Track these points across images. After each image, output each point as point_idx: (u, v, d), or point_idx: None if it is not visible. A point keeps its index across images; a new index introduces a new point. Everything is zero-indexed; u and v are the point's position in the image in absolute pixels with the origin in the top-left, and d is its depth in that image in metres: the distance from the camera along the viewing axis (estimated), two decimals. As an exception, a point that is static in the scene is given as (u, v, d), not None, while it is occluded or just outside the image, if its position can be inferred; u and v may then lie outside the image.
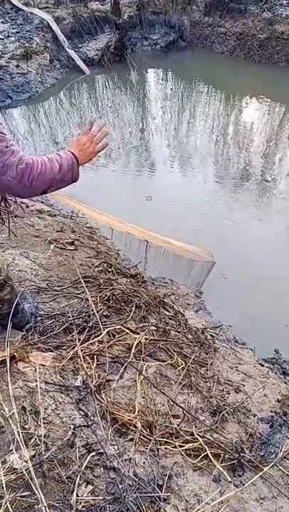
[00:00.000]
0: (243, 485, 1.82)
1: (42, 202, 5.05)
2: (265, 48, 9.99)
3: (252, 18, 10.20)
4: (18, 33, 9.43)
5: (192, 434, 1.97)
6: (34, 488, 1.39)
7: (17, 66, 8.68)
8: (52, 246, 3.41)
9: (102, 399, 1.92)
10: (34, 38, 9.32)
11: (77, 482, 1.51)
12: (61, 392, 1.88)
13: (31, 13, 9.99)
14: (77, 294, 2.84)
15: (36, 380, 1.83)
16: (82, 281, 2.52)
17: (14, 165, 1.54)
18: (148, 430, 1.90)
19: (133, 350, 2.28)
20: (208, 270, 3.98)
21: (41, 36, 9.49)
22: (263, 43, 10.00)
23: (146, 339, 2.46)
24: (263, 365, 3.13)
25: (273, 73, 9.54)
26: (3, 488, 1.37)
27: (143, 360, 2.33)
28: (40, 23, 9.75)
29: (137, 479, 1.60)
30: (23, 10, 10.17)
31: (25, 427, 1.62)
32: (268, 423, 2.33)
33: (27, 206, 4.45)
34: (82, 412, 1.79)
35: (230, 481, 1.82)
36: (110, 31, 10.36)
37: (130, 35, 10.71)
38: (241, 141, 7.29)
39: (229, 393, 2.52)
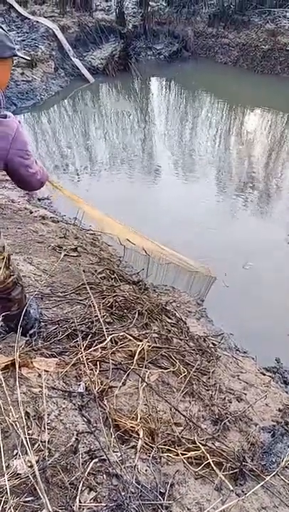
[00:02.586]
0: (245, 494, 1.82)
1: (45, 208, 5.08)
2: (268, 58, 10.09)
3: (255, 30, 10.32)
4: (23, 41, 9.55)
5: (194, 442, 1.97)
6: (40, 493, 1.40)
7: (22, 73, 8.77)
8: (62, 254, 3.44)
9: (105, 405, 1.93)
10: (39, 46, 9.43)
11: (80, 488, 1.51)
12: (64, 398, 1.89)
13: (37, 21, 10.11)
14: (81, 300, 2.85)
15: (40, 386, 1.84)
16: (87, 287, 2.53)
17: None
18: (150, 438, 1.91)
19: (136, 358, 2.29)
20: (209, 285, 3.99)
21: (46, 44, 9.60)
22: (266, 54, 10.11)
23: (148, 346, 2.47)
24: (264, 374, 3.13)
25: (276, 84, 9.62)
26: (7, 493, 1.38)
27: (145, 368, 2.34)
28: (45, 31, 9.87)
29: (139, 486, 1.60)
30: (29, 18, 10.30)
31: (29, 432, 1.63)
32: (270, 432, 2.33)
33: (30, 212, 4.48)
34: (85, 419, 1.80)
35: (232, 490, 1.82)
36: (115, 41, 10.48)
37: (134, 44, 10.83)
38: (244, 152, 7.34)
39: (231, 402, 2.52)
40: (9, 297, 2.11)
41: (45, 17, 10.36)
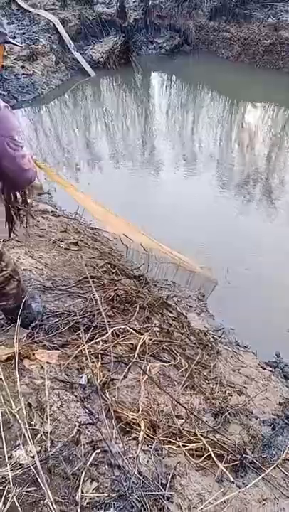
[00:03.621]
0: (246, 486, 1.83)
1: (46, 202, 5.08)
2: (270, 53, 10.04)
3: (257, 24, 10.26)
4: (24, 34, 9.49)
5: (195, 435, 1.98)
6: (41, 484, 1.41)
7: (22, 67, 8.72)
8: (60, 246, 3.42)
9: (107, 397, 1.93)
10: (40, 39, 9.38)
11: (82, 479, 1.52)
12: (66, 390, 1.89)
13: (38, 14, 10.05)
14: (82, 293, 2.85)
15: (42, 378, 1.85)
16: (90, 280, 2.53)
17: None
18: (152, 430, 1.92)
19: (137, 351, 2.30)
20: (210, 288, 3.99)
21: (47, 38, 9.54)
22: (268, 49, 10.05)
23: (150, 340, 2.48)
24: (264, 369, 3.14)
25: (278, 79, 9.58)
26: (9, 482, 1.39)
27: (147, 361, 2.34)
28: (46, 24, 9.81)
29: (141, 477, 1.61)
30: (30, 11, 10.23)
31: (32, 423, 1.64)
32: (270, 425, 2.35)
33: (32, 206, 4.47)
34: (87, 410, 1.80)
35: (233, 482, 1.83)
36: (116, 34, 10.41)
37: (135, 38, 10.77)
38: (245, 147, 7.32)
39: (231, 395, 2.53)
40: (3, 292, 2.10)
41: (46, 10, 10.30)
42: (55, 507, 1.40)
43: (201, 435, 1.97)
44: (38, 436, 1.59)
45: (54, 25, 9.79)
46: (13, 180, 1.82)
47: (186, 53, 11.10)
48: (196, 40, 11.15)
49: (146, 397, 2.10)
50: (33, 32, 9.58)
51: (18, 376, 1.67)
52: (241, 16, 10.45)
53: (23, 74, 8.67)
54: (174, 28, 11.25)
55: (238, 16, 10.48)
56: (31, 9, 10.30)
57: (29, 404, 1.71)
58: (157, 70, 10.64)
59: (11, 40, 1.84)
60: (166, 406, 2.14)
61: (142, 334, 2.47)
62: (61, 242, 3.71)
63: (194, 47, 11.15)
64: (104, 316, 2.33)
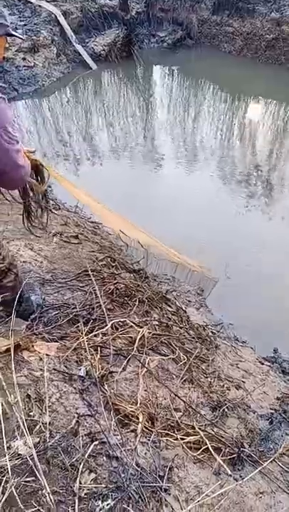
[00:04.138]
0: (243, 479, 1.84)
1: (46, 195, 5.05)
2: (273, 48, 9.97)
3: (260, 18, 10.18)
4: (25, 25, 9.40)
5: (193, 428, 1.99)
6: (38, 474, 1.41)
7: (24, 59, 8.66)
8: (57, 238, 3.39)
9: (106, 390, 1.94)
10: (41, 31, 9.29)
11: (80, 470, 1.52)
12: (65, 382, 1.90)
13: (39, 6, 9.95)
14: (81, 286, 2.85)
15: (41, 369, 1.85)
16: (90, 273, 2.53)
17: None
18: (150, 422, 1.92)
19: (136, 344, 2.30)
20: (210, 287, 4.00)
21: (49, 30, 9.46)
22: (271, 44, 9.99)
23: (149, 333, 2.48)
24: (262, 364, 3.15)
25: (280, 74, 9.52)
26: (8, 472, 1.39)
27: (145, 354, 2.35)
28: (47, 16, 9.72)
29: (139, 469, 1.62)
30: (31, 2, 10.12)
31: (30, 414, 1.64)
32: (268, 420, 2.36)
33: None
34: (85, 402, 1.81)
35: (230, 475, 1.84)
36: (118, 27, 10.33)
37: (138, 31, 10.69)
38: (247, 142, 7.30)
39: (229, 389, 2.54)
40: (0, 284, 2.11)
41: (48, 1, 10.19)
42: (52, 497, 1.40)
43: (199, 428, 1.98)
44: (37, 427, 1.59)
45: (56, 17, 9.70)
46: (6, 176, 1.76)
47: (188, 47, 11.03)
48: (199, 34, 11.07)
49: (145, 390, 2.10)
50: (35, 24, 9.49)
51: (13, 367, 1.67)
52: (244, 10, 10.37)
53: (24, 66, 8.61)
54: (176, 22, 11.16)
55: (241, 10, 10.40)
56: (33, 0, 10.20)
57: (28, 396, 1.71)
58: (159, 64, 10.58)
59: (13, 32, 1.80)
60: (165, 399, 2.15)
61: (141, 327, 2.47)
62: (61, 235, 3.70)
63: (197, 41, 11.07)
64: (104, 309, 2.33)
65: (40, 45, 9.01)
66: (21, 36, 2.01)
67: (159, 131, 7.58)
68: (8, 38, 1.80)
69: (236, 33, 10.53)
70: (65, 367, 1.98)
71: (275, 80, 9.44)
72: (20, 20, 9.58)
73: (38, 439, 1.57)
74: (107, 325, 2.28)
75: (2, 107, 1.62)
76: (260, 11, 10.21)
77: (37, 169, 2.28)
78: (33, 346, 1.98)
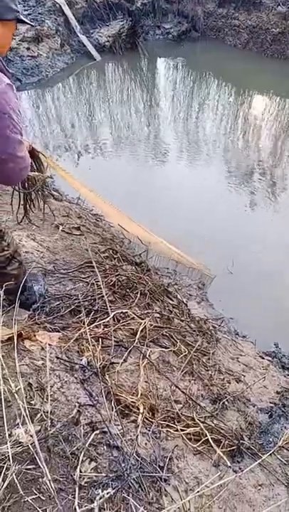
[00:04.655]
0: (242, 471, 1.85)
1: (48, 186, 5.04)
2: (279, 42, 9.89)
3: (266, 12, 10.08)
4: (29, 15, 9.31)
5: (193, 419, 1.99)
6: (39, 462, 1.41)
7: (28, 49, 8.59)
8: (60, 229, 3.37)
9: (107, 380, 1.94)
10: (46, 20, 9.21)
11: (80, 458, 1.53)
12: (66, 372, 1.90)
13: (44, -5, 9.86)
14: (83, 278, 2.85)
15: (42, 359, 1.85)
16: (94, 264, 2.53)
17: None
18: (150, 413, 1.93)
19: (138, 336, 2.30)
20: (208, 283, 4.00)
21: (53, 19, 9.37)
22: (276, 38, 9.90)
23: (150, 325, 2.48)
24: (263, 358, 3.16)
25: (285, 68, 9.45)
26: (9, 460, 1.40)
27: (147, 346, 2.35)
28: (52, 6, 9.62)
29: (139, 459, 1.63)
30: (36, -8, 10.04)
31: (32, 402, 1.64)
32: (267, 413, 2.37)
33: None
34: (87, 392, 1.81)
35: (230, 467, 1.85)
36: (123, 18, 10.23)
37: (143, 22, 10.59)
38: (251, 136, 7.26)
39: (230, 382, 2.54)
40: (4, 272, 2.10)
41: (52, -9, 10.11)
42: (53, 485, 1.41)
43: (199, 420, 1.99)
44: (38, 415, 1.60)
45: (60, 6, 9.61)
46: (3, 167, 1.66)
47: (193, 40, 10.93)
48: (204, 26, 10.97)
49: (146, 382, 2.11)
50: (39, 13, 9.40)
51: (16, 355, 1.68)
52: (251, 4, 10.27)
53: (28, 56, 8.54)
54: (182, 14, 11.05)
55: (247, 3, 10.30)
56: (37, -11, 10.10)
57: (29, 384, 1.72)
58: (164, 56, 10.49)
59: (23, 18, 1.74)
60: (165, 391, 2.15)
61: (143, 320, 2.47)
62: (63, 226, 3.69)
63: (202, 33, 10.97)
64: (107, 300, 2.33)
65: (44, 35, 8.93)
66: (31, 22, 1.96)
67: (163, 124, 7.53)
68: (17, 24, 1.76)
69: (242, 26, 10.43)
70: (67, 357, 1.98)
71: (280, 74, 9.36)
72: (25, 10, 9.48)
73: (39, 427, 1.57)
74: (108, 316, 2.28)
75: (9, 94, 1.58)
76: (267, 4, 10.10)
77: (33, 155, 2.27)
78: (34, 336, 1.98)
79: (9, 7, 1.62)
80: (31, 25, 2.46)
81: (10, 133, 1.59)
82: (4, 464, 1.41)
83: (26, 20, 1.80)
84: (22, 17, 1.72)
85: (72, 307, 2.39)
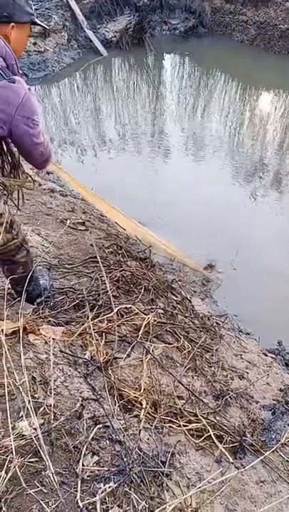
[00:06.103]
0: (244, 467, 1.85)
1: (54, 182, 5.05)
2: (286, 38, 9.78)
3: (274, 8, 9.98)
4: (36, 10, 9.27)
5: (196, 415, 2.00)
6: (42, 455, 1.42)
7: (34, 44, 8.58)
8: (67, 225, 3.38)
9: (110, 375, 1.94)
10: (53, 16, 9.19)
11: (83, 452, 1.53)
12: (70, 366, 1.91)
13: (51, -10, 9.83)
14: (88, 273, 2.86)
15: (46, 352, 1.86)
16: (99, 259, 2.53)
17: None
18: (153, 408, 1.93)
19: (141, 331, 2.31)
20: (210, 286, 4.01)
21: (60, 15, 9.35)
22: (285, 34, 9.80)
23: (154, 321, 2.48)
24: (266, 355, 3.15)
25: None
26: (12, 452, 1.40)
27: (150, 341, 2.35)
28: (59, 1, 9.58)
29: (141, 453, 1.63)
30: (43, -14, 10.01)
31: (35, 396, 1.65)
32: (270, 410, 2.36)
33: (40, 185, 4.45)
34: (90, 386, 1.82)
35: (232, 463, 1.85)
36: (130, 13, 10.17)
37: (150, 18, 10.51)
38: (257, 133, 7.21)
39: (233, 379, 2.54)
40: (13, 259, 2.13)
41: (60, -15, 10.07)
42: (56, 478, 1.42)
43: (202, 416, 1.99)
44: (41, 409, 1.61)
45: (67, 1, 9.57)
46: (30, 154, 1.90)
47: (200, 35, 10.85)
48: (212, 22, 10.87)
49: (149, 377, 2.11)
50: (46, 8, 9.37)
51: (21, 348, 1.68)
52: (259, -1, 10.18)
53: (35, 51, 8.53)
54: (189, 10, 10.96)
55: (255, -2, 10.20)
56: (44, -16, 10.07)
57: (33, 378, 1.72)
58: (171, 52, 10.44)
59: (38, 21, 1.90)
60: (168, 386, 2.15)
61: (147, 315, 2.48)
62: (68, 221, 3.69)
63: (209, 29, 10.88)
64: (110, 296, 2.33)
65: (51, 30, 8.91)
66: (45, 25, 2.08)
67: (169, 119, 7.50)
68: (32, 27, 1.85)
69: (250, 22, 10.34)
70: (70, 351, 1.99)
71: (288, 70, 9.27)
72: (32, 5, 9.46)
73: (43, 420, 1.58)
74: (112, 311, 2.28)
75: (31, 98, 1.76)
76: (275, 0, 10.01)
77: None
78: (38, 330, 1.99)
79: (25, 10, 1.75)
80: (45, 28, 2.60)
81: (32, 130, 1.80)
82: (7, 456, 1.42)
83: (41, 23, 1.91)
84: (36, 20, 1.81)
85: (77, 302, 2.39)
